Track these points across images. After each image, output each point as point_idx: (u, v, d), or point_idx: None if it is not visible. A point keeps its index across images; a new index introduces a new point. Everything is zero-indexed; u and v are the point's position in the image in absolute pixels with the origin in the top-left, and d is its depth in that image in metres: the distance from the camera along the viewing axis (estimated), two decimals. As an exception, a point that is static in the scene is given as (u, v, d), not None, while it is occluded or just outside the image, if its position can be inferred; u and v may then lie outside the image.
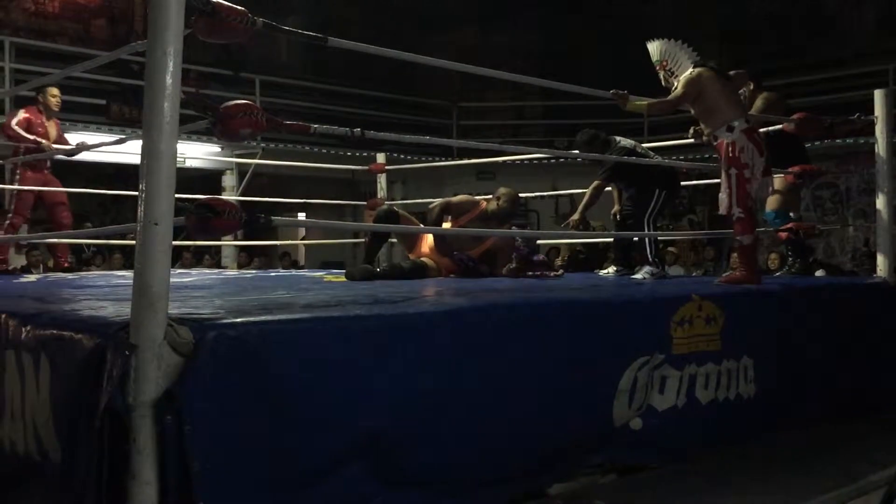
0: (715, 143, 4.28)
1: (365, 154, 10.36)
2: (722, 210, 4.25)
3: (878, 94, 4.81)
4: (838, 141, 10.75)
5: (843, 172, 11.75)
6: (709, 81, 4.22)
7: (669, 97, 4.34)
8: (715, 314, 3.42)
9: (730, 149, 4.11)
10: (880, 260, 4.76)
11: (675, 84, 4.31)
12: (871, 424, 4.00)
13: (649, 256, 5.06)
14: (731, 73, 4.50)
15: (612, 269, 5.74)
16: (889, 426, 3.93)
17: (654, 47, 4.43)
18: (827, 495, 2.84)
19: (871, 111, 4.78)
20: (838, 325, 4.13)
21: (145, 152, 2.02)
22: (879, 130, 4.74)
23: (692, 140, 5.17)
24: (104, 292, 3.58)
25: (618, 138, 5.39)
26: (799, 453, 3.44)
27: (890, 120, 4.75)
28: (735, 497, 2.83)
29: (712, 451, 3.37)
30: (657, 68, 4.45)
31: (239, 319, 2.15)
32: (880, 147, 4.75)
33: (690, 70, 4.25)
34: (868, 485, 2.90)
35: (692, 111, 4.36)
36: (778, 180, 4.90)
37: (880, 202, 4.74)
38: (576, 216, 5.37)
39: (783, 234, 5.19)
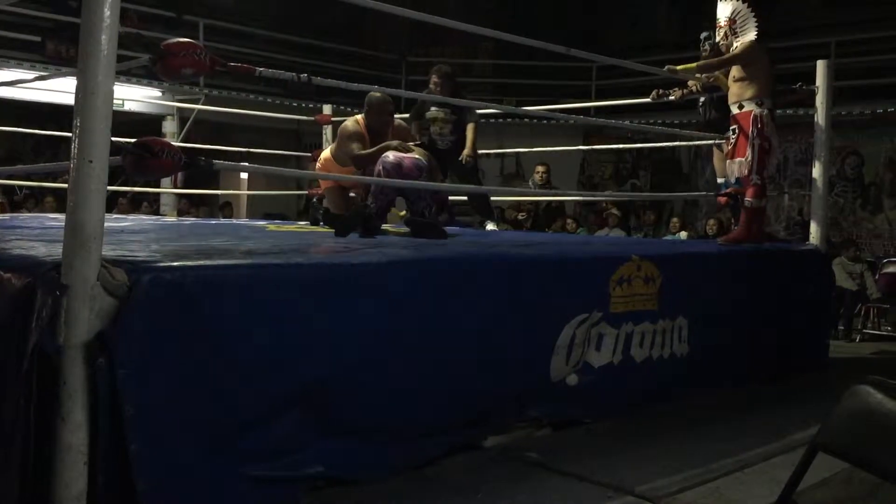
0: (737, 112, 4.51)
1: (311, 105, 10.17)
2: (732, 175, 4.65)
3: (820, 65, 4.90)
4: (779, 111, 10.91)
5: (783, 142, 11.96)
6: (763, 54, 4.52)
7: (726, 55, 4.58)
8: (653, 274, 3.48)
9: (758, 121, 4.43)
10: (813, 228, 4.89)
11: (734, 44, 4.50)
12: (799, 383, 4.14)
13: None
14: None
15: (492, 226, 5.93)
16: (816, 385, 4.07)
17: (728, 5, 4.55)
18: (754, 451, 2.94)
19: (813, 82, 4.87)
20: (771, 288, 4.25)
21: (80, 87, 1.95)
22: (820, 100, 4.84)
23: (651, 100, 5.32)
24: (36, 233, 3.47)
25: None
26: (730, 411, 3.55)
27: (830, 91, 4.84)
28: (665, 450, 2.91)
29: (646, 407, 3.45)
30: (719, 25, 4.59)
31: (176, 263, 2.11)
32: (819, 116, 4.85)
33: (754, 37, 4.45)
34: (793, 442, 3.00)
35: (732, 73, 4.56)
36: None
37: (816, 171, 4.86)
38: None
39: (723, 200, 5.29)
